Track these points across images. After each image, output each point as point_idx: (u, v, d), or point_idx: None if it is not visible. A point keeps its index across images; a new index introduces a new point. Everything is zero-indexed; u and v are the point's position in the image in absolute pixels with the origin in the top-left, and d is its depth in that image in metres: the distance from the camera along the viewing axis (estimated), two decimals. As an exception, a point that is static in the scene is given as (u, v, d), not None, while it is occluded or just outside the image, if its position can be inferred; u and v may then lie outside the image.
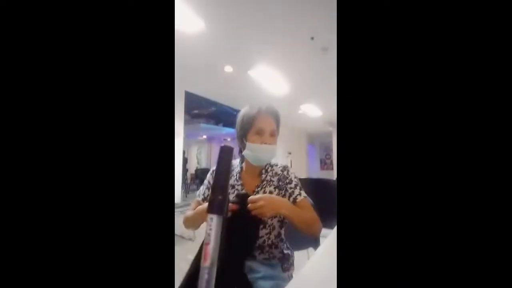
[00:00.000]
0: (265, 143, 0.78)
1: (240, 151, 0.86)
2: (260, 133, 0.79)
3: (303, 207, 0.77)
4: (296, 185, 0.82)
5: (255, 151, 0.78)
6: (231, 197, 0.72)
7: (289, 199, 0.79)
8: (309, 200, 0.83)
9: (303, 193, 0.81)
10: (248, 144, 0.79)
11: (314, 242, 0.98)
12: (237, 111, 0.89)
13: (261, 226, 0.77)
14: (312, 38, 2.57)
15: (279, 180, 0.83)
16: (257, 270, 0.71)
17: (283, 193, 0.81)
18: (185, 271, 0.54)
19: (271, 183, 0.82)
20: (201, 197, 0.86)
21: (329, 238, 0.68)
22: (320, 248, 0.62)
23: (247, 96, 4.36)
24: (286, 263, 0.80)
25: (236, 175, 0.85)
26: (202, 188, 0.88)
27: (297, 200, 0.78)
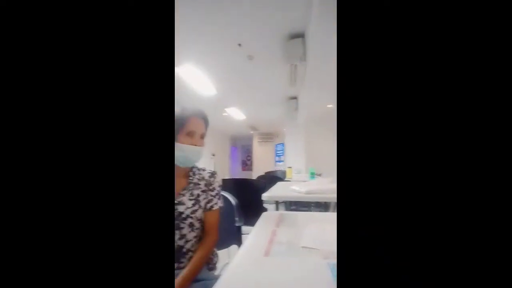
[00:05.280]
0: (195, 145, 0.82)
1: None
2: (190, 135, 0.81)
3: (212, 216, 0.85)
4: (216, 194, 0.88)
5: (185, 151, 0.80)
6: None
7: (206, 205, 0.85)
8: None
9: (220, 203, 0.88)
10: (177, 145, 0.80)
11: (237, 240, 1.04)
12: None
13: (189, 230, 0.79)
14: (240, 45, 2.68)
15: (206, 184, 0.87)
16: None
17: (205, 196, 0.86)
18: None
19: (198, 186, 0.85)
20: None
21: (251, 234, 0.75)
22: (244, 245, 0.68)
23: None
24: (210, 263, 0.85)
25: None
26: None
27: (213, 209, 0.86)
